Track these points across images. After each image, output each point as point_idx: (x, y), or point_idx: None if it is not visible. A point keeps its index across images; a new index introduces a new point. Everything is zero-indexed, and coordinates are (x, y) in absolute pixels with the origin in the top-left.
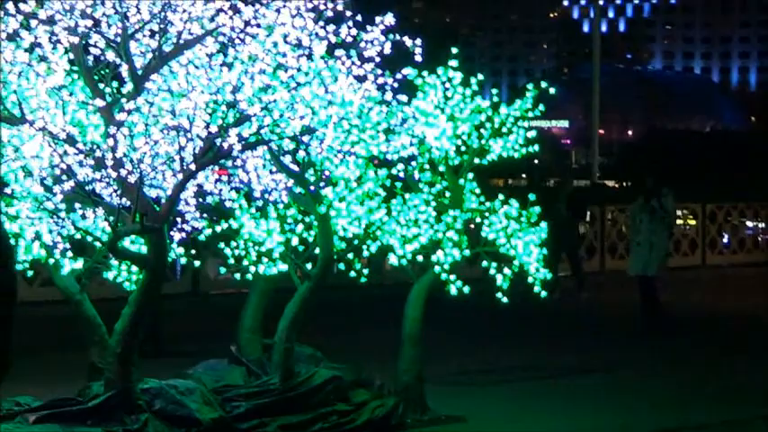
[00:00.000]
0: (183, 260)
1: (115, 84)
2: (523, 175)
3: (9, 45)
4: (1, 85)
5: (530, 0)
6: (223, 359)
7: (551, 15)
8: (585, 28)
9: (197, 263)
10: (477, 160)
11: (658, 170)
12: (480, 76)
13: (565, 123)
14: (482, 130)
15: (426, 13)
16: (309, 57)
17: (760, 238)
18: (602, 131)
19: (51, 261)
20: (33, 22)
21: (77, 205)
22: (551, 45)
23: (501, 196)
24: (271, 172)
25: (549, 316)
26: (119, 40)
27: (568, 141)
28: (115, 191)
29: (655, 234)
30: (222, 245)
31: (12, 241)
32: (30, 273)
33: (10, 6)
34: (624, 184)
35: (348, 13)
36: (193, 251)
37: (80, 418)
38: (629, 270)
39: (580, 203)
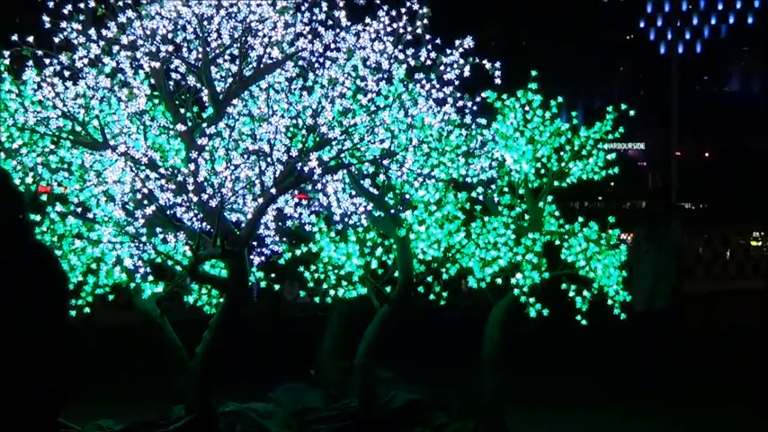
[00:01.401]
0: (263, 284)
1: (196, 108)
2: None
3: (91, 71)
4: (83, 110)
5: (605, 23)
6: (302, 382)
7: (627, 38)
8: (662, 50)
9: (276, 286)
10: (556, 183)
11: (666, 194)
12: (560, 99)
13: (641, 145)
14: (561, 153)
15: (502, 36)
16: (389, 80)
17: None
18: (678, 153)
19: (132, 285)
20: (115, 48)
21: (159, 229)
22: (627, 67)
23: (580, 219)
24: (351, 195)
25: (628, 338)
26: (199, 64)
27: (645, 163)
28: (196, 215)
29: (661, 264)
30: (302, 268)
31: (93, 265)
32: (111, 297)
33: (92, 32)
34: (702, 205)
35: (427, 37)
36: (273, 275)
37: None
38: (635, 306)
39: None
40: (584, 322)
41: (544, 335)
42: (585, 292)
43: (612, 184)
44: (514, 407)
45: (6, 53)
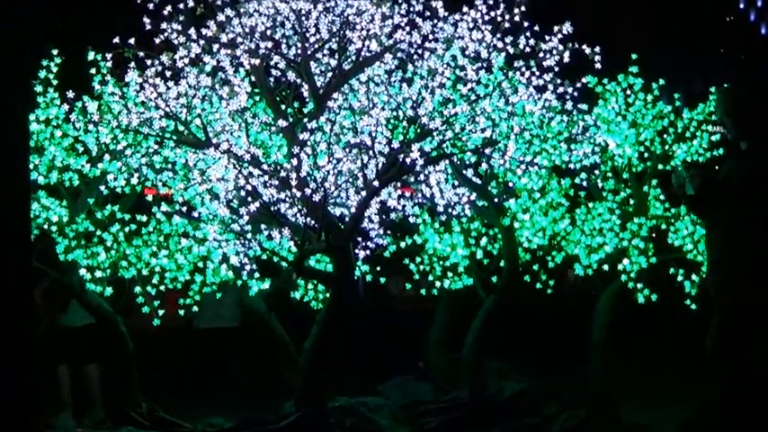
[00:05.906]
0: (369, 277)
1: (297, 104)
2: None
3: (192, 70)
4: (186, 110)
5: (703, 5)
6: (411, 375)
7: (726, 19)
8: (763, 30)
9: (382, 280)
10: (660, 166)
11: None
12: (661, 81)
13: None
14: (665, 136)
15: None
16: (488, 69)
17: None
18: None
19: (239, 282)
20: (215, 47)
21: (263, 226)
22: (727, 49)
23: None
24: (453, 186)
25: None
26: (299, 60)
27: None
28: (300, 210)
29: None
30: (407, 261)
31: (200, 264)
32: (218, 295)
33: (192, 32)
34: None
35: (525, 24)
36: (378, 268)
37: None
38: None
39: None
40: (693, 306)
41: (653, 321)
42: (694, 276)
43: (717, 167)
44: (624, 395)
45: (109, 56)
